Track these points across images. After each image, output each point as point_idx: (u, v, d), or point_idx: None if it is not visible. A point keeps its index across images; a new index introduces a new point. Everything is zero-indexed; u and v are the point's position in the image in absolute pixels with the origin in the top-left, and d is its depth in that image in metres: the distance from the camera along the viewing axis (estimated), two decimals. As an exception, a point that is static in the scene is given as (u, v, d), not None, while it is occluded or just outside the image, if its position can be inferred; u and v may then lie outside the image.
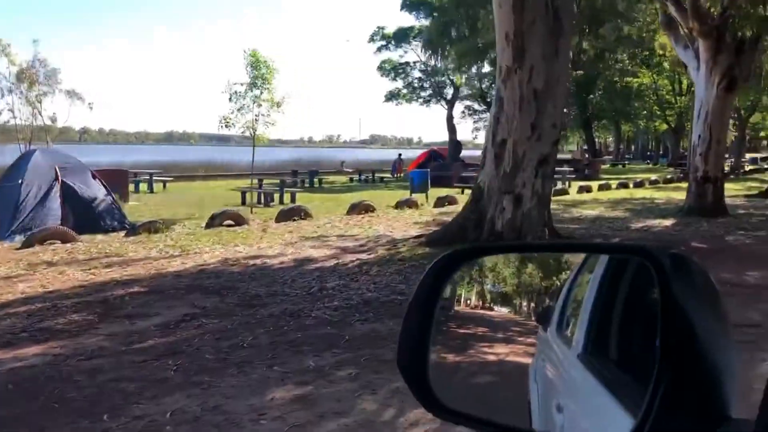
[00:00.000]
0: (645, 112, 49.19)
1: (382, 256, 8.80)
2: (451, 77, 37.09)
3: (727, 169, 41.68)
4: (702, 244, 10.28)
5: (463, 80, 37.47)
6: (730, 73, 13.80)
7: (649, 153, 69.87)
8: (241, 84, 14.83)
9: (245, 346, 4.97)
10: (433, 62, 36.09)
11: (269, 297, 6.66)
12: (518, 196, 8.65)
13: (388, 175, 31.82)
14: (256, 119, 15.08)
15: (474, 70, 35.51)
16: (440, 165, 28.50)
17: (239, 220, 12.50)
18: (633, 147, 79.43)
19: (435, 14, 33.34)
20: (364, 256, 8.87)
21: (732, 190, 22.86)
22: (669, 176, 32.94)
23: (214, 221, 12.22)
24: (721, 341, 0.70)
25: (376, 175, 31.45)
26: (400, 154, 33.44)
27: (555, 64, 8.46)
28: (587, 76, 42.95)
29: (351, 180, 30.93)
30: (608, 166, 45.98)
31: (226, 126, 15.51)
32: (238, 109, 14.99)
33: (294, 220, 12.95)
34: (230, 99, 15.01)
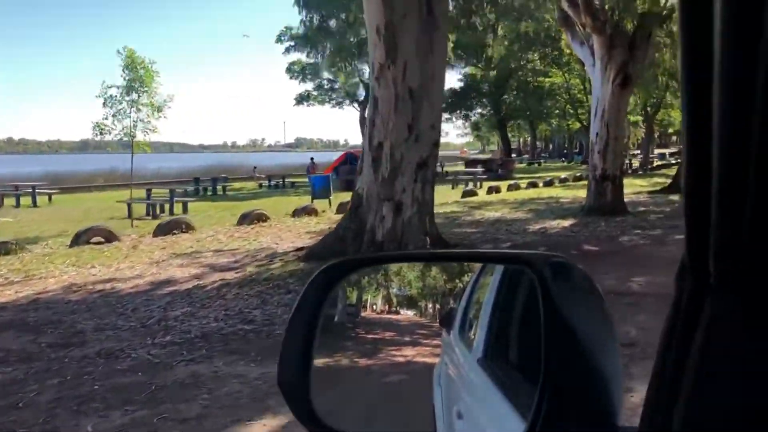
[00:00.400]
0: (557, 111, 50.19)
1: (249, 274, 7.92)
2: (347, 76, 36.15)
3: (636, 165, 43.44)
4: (595, 246, 9.93)
5: (344, 79, 36.58)
6: (624, 69, 13.71)
7: (565, 151, 71.83)
8: (117, 87, 13.54)
9: (21, 405, 4.00)
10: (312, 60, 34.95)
11: (95, 332, 5.67)
12: (398, 203, 7.97)
13: (302, 180, 30.83)
14: (134, 125, 13.78)
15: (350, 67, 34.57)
16: (353, 168, 27.74)
17: (110, 237, 11.29)
18: (550, 146, 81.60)
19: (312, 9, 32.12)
20: (230, 275, 7.96)
21: (637, 186, 23.34)
22: (579, 174, 33.62)
23: (79, 239, 10.97)
24: (606, 347, 0.69)
25: (287, 180, 30.34)
26: (312, 158, 32.44)
27: (430, 61, 7.83)
28: (500, 76, 43.43)
29: (260, 186, 29.68)
30: (524, 165, 46.70)
31: (100, 133, 14.13)
32: (113, 115, 13.68)
33: (173, 233, 11.84)
34: (104, 104, 13.66)
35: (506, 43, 36.78)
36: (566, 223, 13.00)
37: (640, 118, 42.80)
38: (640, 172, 36.23)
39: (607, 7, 13.80)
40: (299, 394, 0.84)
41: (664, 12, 14.02)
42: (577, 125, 53.96)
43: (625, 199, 18.33)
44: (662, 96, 38.86)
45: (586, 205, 14.45)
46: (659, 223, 12.63)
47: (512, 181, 25.88)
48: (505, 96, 45.55)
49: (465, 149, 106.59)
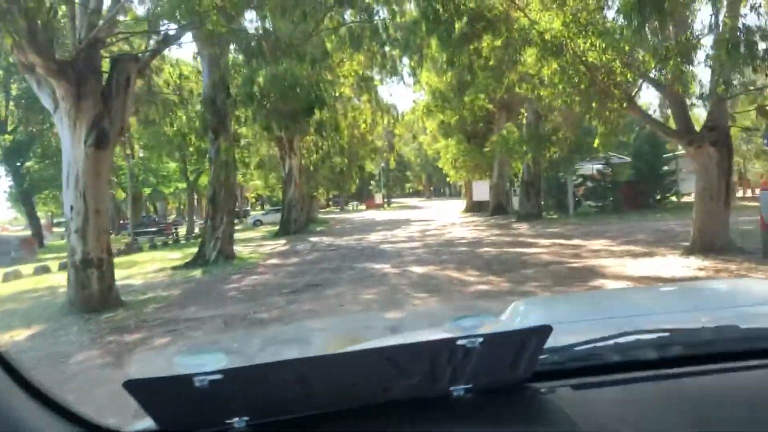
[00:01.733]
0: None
1: None
2: None
3: (183, 232, 42.14)
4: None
5: None
6: (99, 124, 10.79)
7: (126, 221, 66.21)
8: None
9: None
10: None
11: None
12: None
13: None
14: None
15: None
16: None
17: None
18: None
19: None
20: None
21: (168, 260, 20.94)
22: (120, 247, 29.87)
23: None
24: None
25: None
26: None
27: None
28: (16, 141, 36.74)
29: None
30: (65, 241, 40.35)
31: None
32: None
33: None
34: None
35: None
36: (29, 332, 9.19)
37: (184, 184, 41.57)
38: (183, 242, 34.28)
39: (68, 42, 10.75)
40: None
41: (141, 53, 11.72)
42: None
43: (142, 280, 15.34)
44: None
45: (67, 300, 10.90)
46: (155, 318, 9.90)
47: (39, 264, 20.66)
48: (28, 163, 38.65)
49: (6, 226, 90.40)
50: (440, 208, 54.28)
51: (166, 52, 20.35)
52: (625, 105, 11.42)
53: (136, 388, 0.92)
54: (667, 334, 1.24)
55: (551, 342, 1.09)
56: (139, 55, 11.39)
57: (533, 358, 1.05)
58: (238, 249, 22.16)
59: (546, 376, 1.13)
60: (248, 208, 71.13)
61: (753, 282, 3.19)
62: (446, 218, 34.82)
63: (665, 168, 25.62)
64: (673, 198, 26.33)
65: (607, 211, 24.82)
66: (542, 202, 26.66)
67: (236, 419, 0.95)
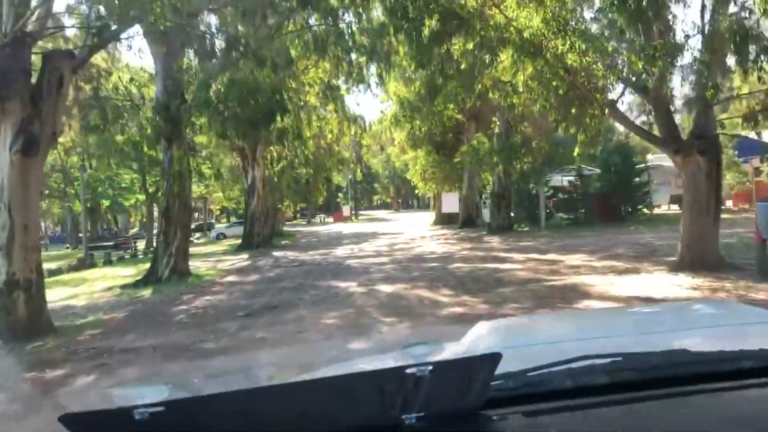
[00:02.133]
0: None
1: None
2: None
3: (141, 247, 40.58)
4: None
5: None
6: (27, 129, 9.59)
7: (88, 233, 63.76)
8: None
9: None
10: None
11: None
12: None
13: None
14: None
15: None
16: None
17: None
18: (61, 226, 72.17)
19: None
20: None
21: (119, 278, 19.53)
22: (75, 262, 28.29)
23: None
24: None
25: None
26: None
27: None
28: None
29: None
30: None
31: None
32: None
33: None
34: None
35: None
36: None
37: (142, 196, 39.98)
38: (141, 256, 32.69)
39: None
40: None
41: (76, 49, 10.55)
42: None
43: (85, 301, 14.07)
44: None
45: (-11, 328, 9.61)
46: (87, 348, 8.70)
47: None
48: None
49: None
50: (409, 220, 53.47)
51: (118, 55, 19.15)
52: (606, 111, 10.66)
53: (73, 422, 0.90)
54: (619, 359, 1.23)
55: (506, 367, 1.10)
56: (76, 51, 10.20)
57: (484, 386, 1.05)
58: (196, 264, 20.91)
59: (499, 403, 1.11)
60: (213, 220, 69.34)
61: (703, 305, 3.29)
62: (415, 231, 33.94)
63: (637, 179, 25.15)
64: (645, 210, 25.86)
65: (579, 223, 24.22)
66: (512, 215, 25.96)
67: None
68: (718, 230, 10.35)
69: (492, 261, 15.20)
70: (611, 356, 1.24)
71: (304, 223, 71.76)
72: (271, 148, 30.23)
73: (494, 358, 1.02)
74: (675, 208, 30.51)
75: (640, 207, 25.49)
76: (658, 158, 32.77)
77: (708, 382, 1.18)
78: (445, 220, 36.75)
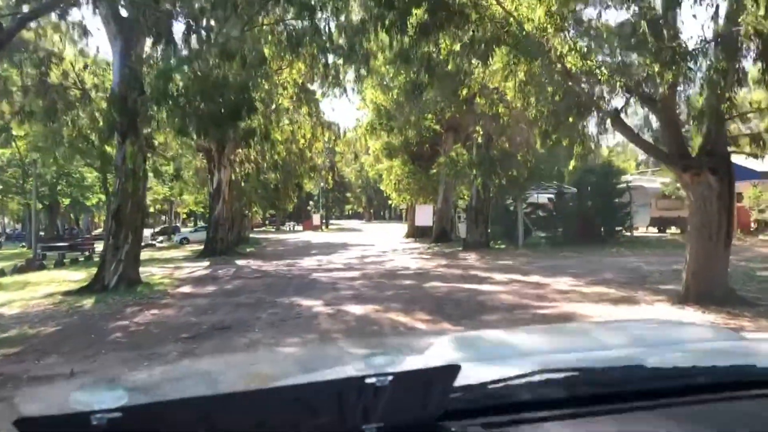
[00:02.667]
0: None
1: None
2: None
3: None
4: None
5: None
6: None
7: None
8: None
9: None
10: None
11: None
12: None
13: None
14: None
15: None
16: None
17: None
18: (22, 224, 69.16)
19: None
20: None
21: (72, 282, 17.89)
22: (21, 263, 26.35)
23: None
24: None
25: None
26: None
27: None
28: None
29: None
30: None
31: None
32: None
33: None
34: None
35: None
36: None
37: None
38: (98, 259, 30.76)
39: None
40: None
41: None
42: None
43: (19, 309, 12.65)
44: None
45: None
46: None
47: None
48: None
49: None
50: (380, 232, 52.28)
51: (75, 38, 17.59)
52: (608, 121, 9.60)
53: (29, 425, 0.89)
54: (577, 373, 1.24)
55: (467, 380, 1.14)
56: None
57: (443, 397, 1.06)
58: (152, 271, 19.46)
59: (459, 415, 1.11)
60: (179, 224, 67.12)
61: (661, 322, 3.52)
62: (387, 243, 32.72)
63: (617, 200, 24.33)
64: (625, 232, 25.03)
65: (558, 242, 23.26)
66: (489, 231, 24.91)
67: None
68: (728, 259, 9.32)
69: (472, 281, 14.04)
70: (569, 370, 1.24)
71: (273, 230, 70.09)
72: (239, 150, 28.81)
73: (453, 369, 1.05)
74: (653, 231, 29.83)
75: (620, 228, 24.64)
76: (638, 179, 32.23)
77: (664, 397, 1.20)
78: (418, 233, 35.63)
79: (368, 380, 0.99)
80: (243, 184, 29.99)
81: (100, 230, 68.94)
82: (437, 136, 29.93)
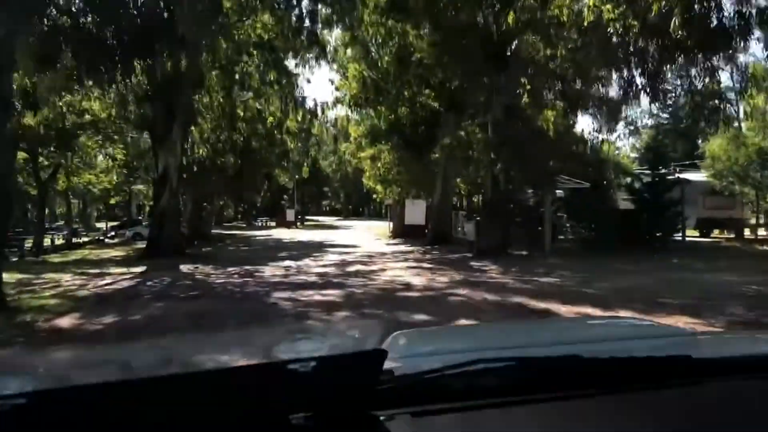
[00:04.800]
0: None
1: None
2: None
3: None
4: None
5: None
6: None
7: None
8: None
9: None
10: None
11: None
12: None
13: None
14: None
15: None
16: None
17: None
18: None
19: None
20: None
21: None
22: None
23: None
24: None
25: None
26: None
27: None
28: None
29: None
30: None
31: None
32: None
33: None
34: None
35: None
36: None
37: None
38: (15, 260, 24.89)
39: None
40: None
41: None
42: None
43: None
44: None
45: None
46: None
47: None
48: None
49: None
50: (361, 230, 46.94)
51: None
52: None
53: None
54: (512, 362, 1.23)
55: (403, 370, 1.14)
56: None
57: (372, 384, 1.04)
58: (63, 279, 14.40)
59: (389, 404, 1.09)
60: (141, 218, 60.89)
61: (619, 322, 3.28)
62: (372, 245, 27.44)
63: (668, 195, 19.30)
64: (676, 236, 19.99)
65: (594, 247, 18.25)
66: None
67: None
68: None
69: (520, 311, 8.90)
70: (506, 360, 1.23)
71: (244, 225, 64.37)
72: (192, 129, 23.28)
73: (379, 354, 1.01)
74: (693, 235, 24.75)
75: (672, 231, 19.53)
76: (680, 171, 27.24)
77: (599, 387, 1.19)
78: (405, 232, 30.41)
79: (291, 366, 0.94)
80: (195, 169, 24.45)
81: (60, 223, 62.55)
82: (435, 116, 24.72)
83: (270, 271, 17.01)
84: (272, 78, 21.68)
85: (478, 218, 19.39)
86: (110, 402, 0.89)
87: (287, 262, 19.55)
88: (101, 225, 55.96)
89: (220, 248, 28.05)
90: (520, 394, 1.15)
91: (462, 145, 16.76)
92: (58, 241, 34.58)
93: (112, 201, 59.99)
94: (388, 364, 1.07)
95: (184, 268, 18.74)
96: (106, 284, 14.54)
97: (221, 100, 22.78)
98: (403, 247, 24.72)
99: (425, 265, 17.07)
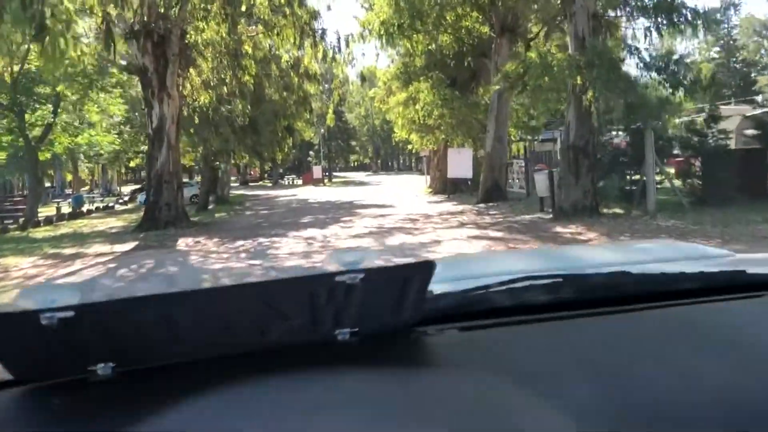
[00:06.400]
0: None
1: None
2: None
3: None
4: None
5: None
6: None
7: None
8: None
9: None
10: None
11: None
12: None
13: None
14: None
15: None
16: None
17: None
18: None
19: None
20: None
21: None
22: None
23: None
24: None
25: None
26: None
27: None
28: None
29: None
30: None
31: None
32: None
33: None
34: None
35: None
36: None
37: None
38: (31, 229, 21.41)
39: None
40: None
41: None
42: None
43: None
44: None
45: None
46: None
47: None
48: None
49: None
50: (394, 185, 42.91)
51: None
52: None
53: None
54: (559, 279, 1.20)
55: (443, 288, 1.11)
56: None
57: (420, 297, 0.98)
58: (21, 264, 10.97)
59: (434, 321, 1.06)
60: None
61: (654, 243, 3.25)
62: (410, 203, 23.37)
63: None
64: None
65: (707, 200, 13.89)
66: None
67: (100, 365, 0.82)
68: None
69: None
70: (552, 277, 1.20)
71: (270, 185, 60.85)
72: (190, 71, 19.20)
73: (429, 265, 0.97)
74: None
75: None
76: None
77: (649, 301, 1.15)
78: (446, 187, 26.21)
79: (338, 278, 0.90)
80: (197, 121, 20.39)
81: (87, 188, 59.70)
82: (483, 44, 20.13)
83: (288, 245, 13.17)
84: (283, 1, 17.33)
85: (553, 169, 15.11)
86: (155, 314, 0.85)
87: (311, 231, 15.69)
88: (127, 189, 52.96)
89: (236, 213, 24.30)
90: (569, 310, 1.11)
91: (540, 65, 12.32)
92: (66, 209, 31.37)
93: (131, 164, 56.77)
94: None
95: (182, 243, 15.04)
96: (67, 273, 10.85)
97: (224, 34, 18.51)
98: (449, 206, 20.54)
99: (492, 233, 12.85)
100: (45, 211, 30.24)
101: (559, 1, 13.80)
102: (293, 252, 12.08)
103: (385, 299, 0.96)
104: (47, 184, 56.29)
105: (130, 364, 0.84)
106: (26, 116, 24.75)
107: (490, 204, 19.26)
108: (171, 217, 18.46)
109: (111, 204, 37.03)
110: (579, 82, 12.18)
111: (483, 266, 1.77)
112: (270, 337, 0.91)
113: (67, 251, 14.33)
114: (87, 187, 63.30)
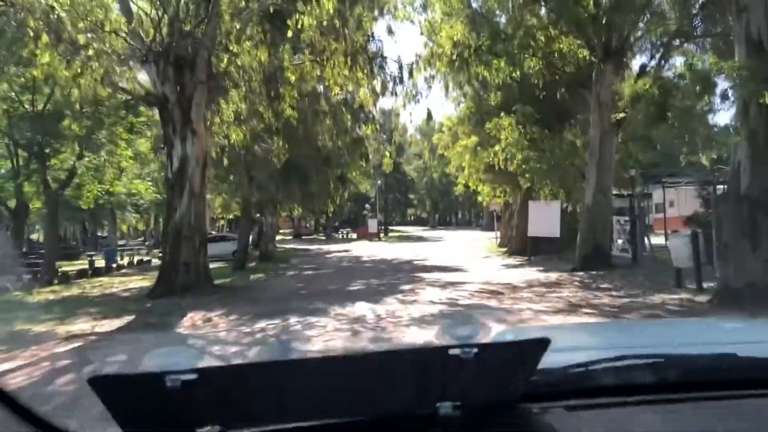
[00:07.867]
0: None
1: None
2: None
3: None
4: None
5: None
6: None
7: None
8: None
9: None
10: None
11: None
12: None
13: None
14: None
15: None
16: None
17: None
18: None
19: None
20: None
21: None
22: None
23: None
24: None
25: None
26: None
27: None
28: None
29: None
30: None
31: None
32: None
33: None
34: None
35: None
36: None
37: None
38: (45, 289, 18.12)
39: None
40: None
41: None
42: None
43: None
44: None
45: None
46: None
47: None
48: None
49: None
50: (456, 242, 38.64)
51: None
52: None
53: (102, 385, 0.86)
54: (662, 360, 1.18)
55: (544, 363, 1.04)
56: None
57: (529, 375, 0.98)
58: None
59: (537, 398, 1.06)
60: (214, 232, 54.90)
61: (755, 322, 3.13)
62: (483, 266, 19.14)
63: None
64: None
65: None
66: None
67: (208, 427, 0.86)
68: None
69: None
70: (655, 357, 1.17)
71: (323, 238, 57.56)
72: (221, 103, 15.88)
73: (544, 342, 0.95)
74: None
75: None
76: None
77: (755, 388, 1.12)
78: (523, 247, 21.88)
79: (452, 351, 0.90)
80: (227, 163, 16.90)
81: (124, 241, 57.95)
82: (583, 69, 16.10)
83: (326, 331, 9.20)
84: (330, 12, 13.83)
85: (698, 229, 10.75)
86: (270, 381, 0.88)
87: (360, 306, 11.74)
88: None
89: (276, 274, 20.58)
90: (672, 392, 1.08)
91: (693, 81, 8.33)
92: (99, 264, 28.52)
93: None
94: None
95: (189, 320, 11.30)
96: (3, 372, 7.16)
97: (263, 59, 15.18)
98: (536, 273, 16.15)
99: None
100: (78, 265, 27.50)
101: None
102: (329, 346, 8.09)
103: (494, 374, 0.94)
104: (100, 234, 54.76)
105: (237, 428, 0.85)
106: (50, 159, 22.09)
107: (593, 272, 14.82)
108: (190, 281, 14.89)
109: (148, 258, 34.08)
110: (767, 100, 7.95)
111: (584, 338, 1.73)
112: (377, 407, 0.92)
113: (39, 329, 10.76)
114: (141, 239, 61.72)
